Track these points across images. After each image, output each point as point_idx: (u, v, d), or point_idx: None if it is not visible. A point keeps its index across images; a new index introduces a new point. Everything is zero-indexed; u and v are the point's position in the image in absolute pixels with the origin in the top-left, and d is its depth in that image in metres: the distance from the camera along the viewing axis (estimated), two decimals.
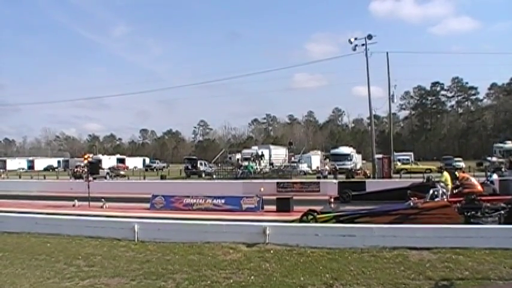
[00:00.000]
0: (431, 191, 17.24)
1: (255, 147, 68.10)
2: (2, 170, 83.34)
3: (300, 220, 17.02)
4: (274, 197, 23.84)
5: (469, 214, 15.32)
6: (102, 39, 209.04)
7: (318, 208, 18.57)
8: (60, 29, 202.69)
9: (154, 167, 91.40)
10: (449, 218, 15.06)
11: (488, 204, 15.83)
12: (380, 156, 46.28)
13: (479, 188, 18.51)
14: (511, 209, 15.28)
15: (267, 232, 13.69)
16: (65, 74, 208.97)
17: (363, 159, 72.22)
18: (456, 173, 21.23)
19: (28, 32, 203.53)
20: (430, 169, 51.09)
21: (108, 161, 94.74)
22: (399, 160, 57.45)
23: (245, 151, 65.21)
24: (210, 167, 62.54)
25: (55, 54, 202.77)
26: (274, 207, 22.51)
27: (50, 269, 11.85)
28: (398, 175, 45.33)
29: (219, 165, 60.15)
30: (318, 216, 17.02)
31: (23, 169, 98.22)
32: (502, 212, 15.25)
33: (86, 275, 11.27)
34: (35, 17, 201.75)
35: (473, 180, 19.19)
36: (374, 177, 41.48)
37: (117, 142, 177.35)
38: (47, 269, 11.91)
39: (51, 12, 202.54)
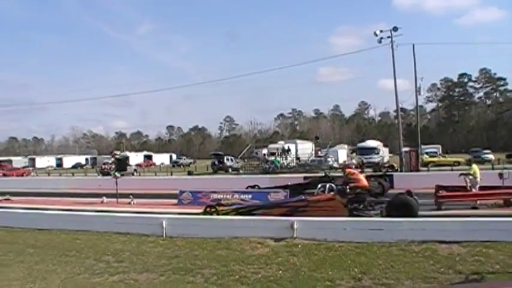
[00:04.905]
0: (319, 185, 19.35)
1: (281, 142, 68.06)
2: (31, 168, 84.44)
3: (204, 213, 18.19)
4: None
5: (352, 207, 16.70)
6: (127, 37, 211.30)
7: None
8: (86, 28, 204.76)
9: (181, 163, 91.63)
10: (335, 210, 16.16)
11: (373, 199, 18.03)
12: (407, 149, 45.72)
13: (365, 183, 19.15)
14: (389, 203, 16.75)
15: (295, 226, 13.67)
16: (91, 72, 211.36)
17: (390, 152, 71.32)
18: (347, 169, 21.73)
19: (54, 32, 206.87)
20: (458, 162, 50.41)
21: (136, 158, 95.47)
22: (427, 153, 56.66)
23: (271, 146, 65.17)
24: (237, 162, 62.62)
25: (81, 53, 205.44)
26: None
27: (80, 265, 12.00)
28: (426, 168, 44.86)
29: (246, 160, 60.28)
30: (220, 208, 18.47)
31: (51, 167, 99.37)
32: (383, 205, 16.82)
33: (115, 270, 11.39)
34: (61, 17, 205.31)
35: (360, 175, 20.00)
36: (401, 171, 41.08)
37: (144, 139, 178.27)
38: (77, 265, 12.07)
39: (76, 11, 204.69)
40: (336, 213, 15.61)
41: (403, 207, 15.95)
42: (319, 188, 18.98)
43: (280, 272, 10.56)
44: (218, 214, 17.69)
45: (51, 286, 10.55)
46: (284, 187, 24.55)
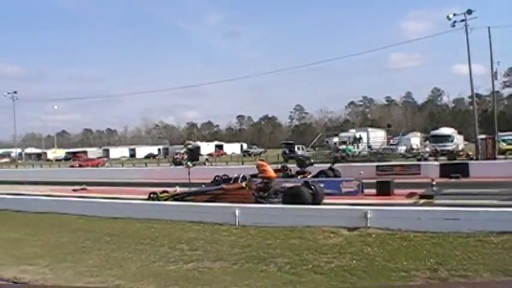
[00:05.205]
0: (235, 175, 22.05)
1: (353, 130, 67.36)
2: (105, 159, 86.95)
3: (148, 199, 20.63)
4: (374, 180, 23.36)
5: (257, 195, 18.96)
6: (196, 28, 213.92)
7: (419, 191, 19.67)
8: (157, 20, 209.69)
9: (252, 152, 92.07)
10: (246, 198, 18.57)
11: (278, 188, 20.22)
12: (483, 136, 44.45)
13: (271, 173, 20.83)
14: (285, 193, 18.84)
15: (368, 216, 13.45)
16: (161, 63, 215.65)
17: (465, 140, 69.30)
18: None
19: (126, 26, 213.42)
20: None
21: (207, 148, 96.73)
22: (504, 140, 54.68)
23: (342, 134, 64.54)
24: (308, 151, 62.38)
25: (151, 45, 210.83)
26: (374, 191, 22.03)
27: (154, 253, 12.20)
28: (503, 156, 43.32)
29: (316, 149, 59.94)
30: (160, 195, 20.89)
31: (125, 157, 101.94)
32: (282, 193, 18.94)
33: (189, 258, 11.51)
34: (131, 10, 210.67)
35: (269, 167, 21.31)
36: (477, 159, 39.95)
37: (215, 129, 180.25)
38: (152, 252, 12.27)
39: (146, 4, 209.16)
40: (247, 201, 18.04)
41: (295, 196, 17.73)
42: (235, 178, 21.59)
43: (354, 261, 10.41)
44: (159, 199, 20.32)
45: (127, 273, 10.76)
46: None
